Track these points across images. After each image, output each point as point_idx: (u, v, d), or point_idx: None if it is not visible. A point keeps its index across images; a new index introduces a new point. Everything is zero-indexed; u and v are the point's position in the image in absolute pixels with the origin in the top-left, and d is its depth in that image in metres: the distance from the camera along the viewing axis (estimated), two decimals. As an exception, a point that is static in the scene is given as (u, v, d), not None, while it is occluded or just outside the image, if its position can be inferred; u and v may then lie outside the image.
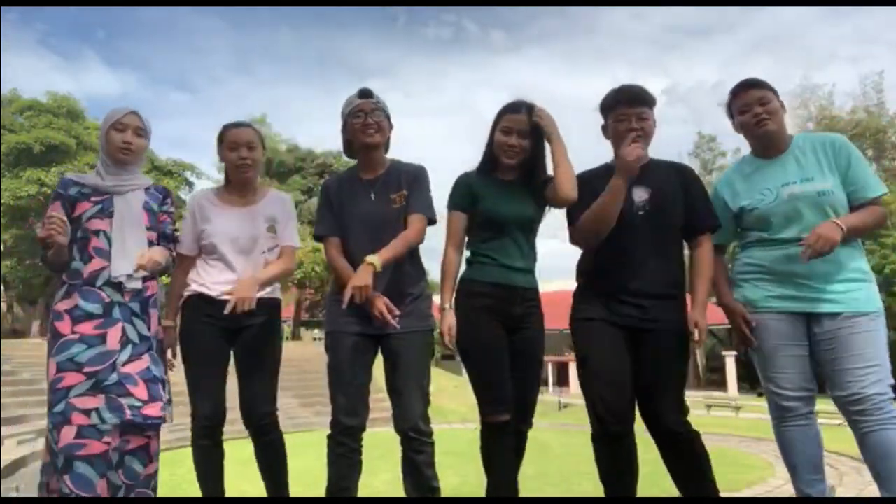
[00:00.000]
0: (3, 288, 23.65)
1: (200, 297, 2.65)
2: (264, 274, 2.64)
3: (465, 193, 2.60)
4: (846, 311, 2.37)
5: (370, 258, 2.37)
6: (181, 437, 10.38)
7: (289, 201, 2.88)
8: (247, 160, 2.68)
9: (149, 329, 2.54)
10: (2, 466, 6.33)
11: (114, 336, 2.43)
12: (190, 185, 26.14)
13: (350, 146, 2.66)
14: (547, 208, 2.65)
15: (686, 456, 2.37)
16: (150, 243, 2.59)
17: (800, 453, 2.45)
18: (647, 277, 2.43)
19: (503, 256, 2.54)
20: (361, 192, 2.59)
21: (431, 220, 2.60)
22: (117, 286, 2.49)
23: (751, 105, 2.53)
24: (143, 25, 57.87)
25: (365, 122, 2.54)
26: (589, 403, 2.45)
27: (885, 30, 51.83)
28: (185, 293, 2.71)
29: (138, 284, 2.51)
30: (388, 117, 2.62)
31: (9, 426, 8.82)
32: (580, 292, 2.61)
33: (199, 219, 2.72)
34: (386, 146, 2.66)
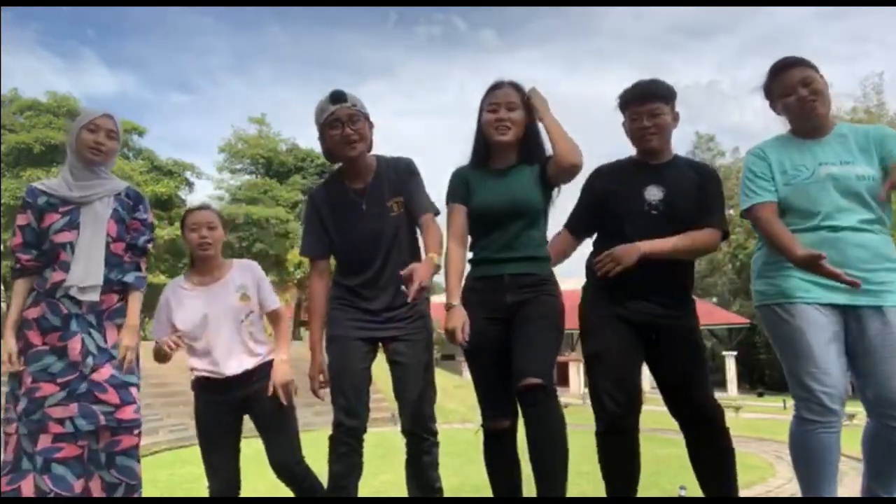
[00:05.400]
0: (2, 288, 23.61)
1: (207, 380, 2.74)
2: (284, 351, 2.82)
3: (461, 184, 2.52)
4: (885, 304, 2.23)
5: (432, 255, 2.33)
6: (181, 437, 10.41)
7: (255, 267, 2.91)
8: (207, 239, 2.74)
9: (105, 342, 2.54)
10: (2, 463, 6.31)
11: (74, 347, 2.46)
12: (190, 185, 26.09)
13: (331, 154, 2.54)
14: (556, 190, 2.51)
15: (718, 446, 2.42)
16: (115, 255, 2.56)
17: (815, 458, 2.29)
18: (660, 275, 2.40)
19: (489, 251, 2.47)
20: (352, 205, 2.52)
21: (437, 213, 2.55)
22: (74, 298, 2.49)
23: (794, 87, 2.40)
24: (142, 26, 57.80)
25: (344, 132, 2.42)
26: (595, 397, 2.44)
27: (881, 30, 51.99)
28: (194, 376, 2.78)
29: (95, 297, 2.50)
30: (367, 118, 2.48)
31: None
32: (590, 288, 2.58)
33: (173, 307, 2.77)
34: (369, 148, 2.54)
